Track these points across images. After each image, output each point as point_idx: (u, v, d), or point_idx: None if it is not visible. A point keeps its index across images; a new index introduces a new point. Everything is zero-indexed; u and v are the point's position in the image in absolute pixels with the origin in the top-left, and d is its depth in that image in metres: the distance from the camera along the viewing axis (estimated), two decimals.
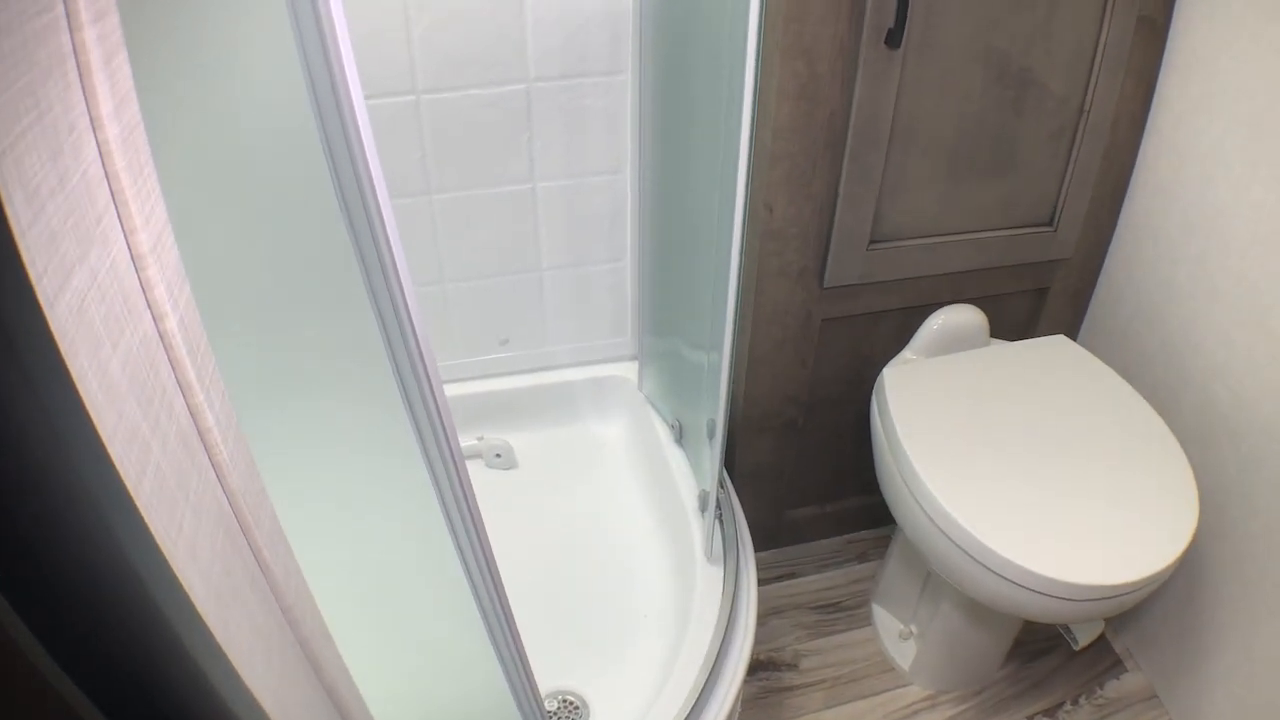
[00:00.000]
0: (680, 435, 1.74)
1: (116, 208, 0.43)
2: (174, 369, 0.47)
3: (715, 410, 1.40)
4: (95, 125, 0.42)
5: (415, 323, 0.66)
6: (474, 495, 0.75)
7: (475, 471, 1.87)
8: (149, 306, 0.45)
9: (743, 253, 1.23)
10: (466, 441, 1.88)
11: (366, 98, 1.51)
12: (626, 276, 1.87)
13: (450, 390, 1.90)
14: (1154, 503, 1.40)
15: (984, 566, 1.34)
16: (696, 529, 1.57)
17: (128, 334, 0.42)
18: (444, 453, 0.72)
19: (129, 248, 0.44)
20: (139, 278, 0.45)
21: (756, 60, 1.11)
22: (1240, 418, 1.53)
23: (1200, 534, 1.51)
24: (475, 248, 1.77)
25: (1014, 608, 1.39)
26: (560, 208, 1.75)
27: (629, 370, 1.95)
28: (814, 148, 1.47)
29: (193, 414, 0.48)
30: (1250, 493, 1.52)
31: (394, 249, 0.63)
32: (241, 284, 0.74)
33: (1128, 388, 1.61)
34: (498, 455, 1.88)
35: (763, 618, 1.90)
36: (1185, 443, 1.52)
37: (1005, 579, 1.33)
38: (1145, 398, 1.59)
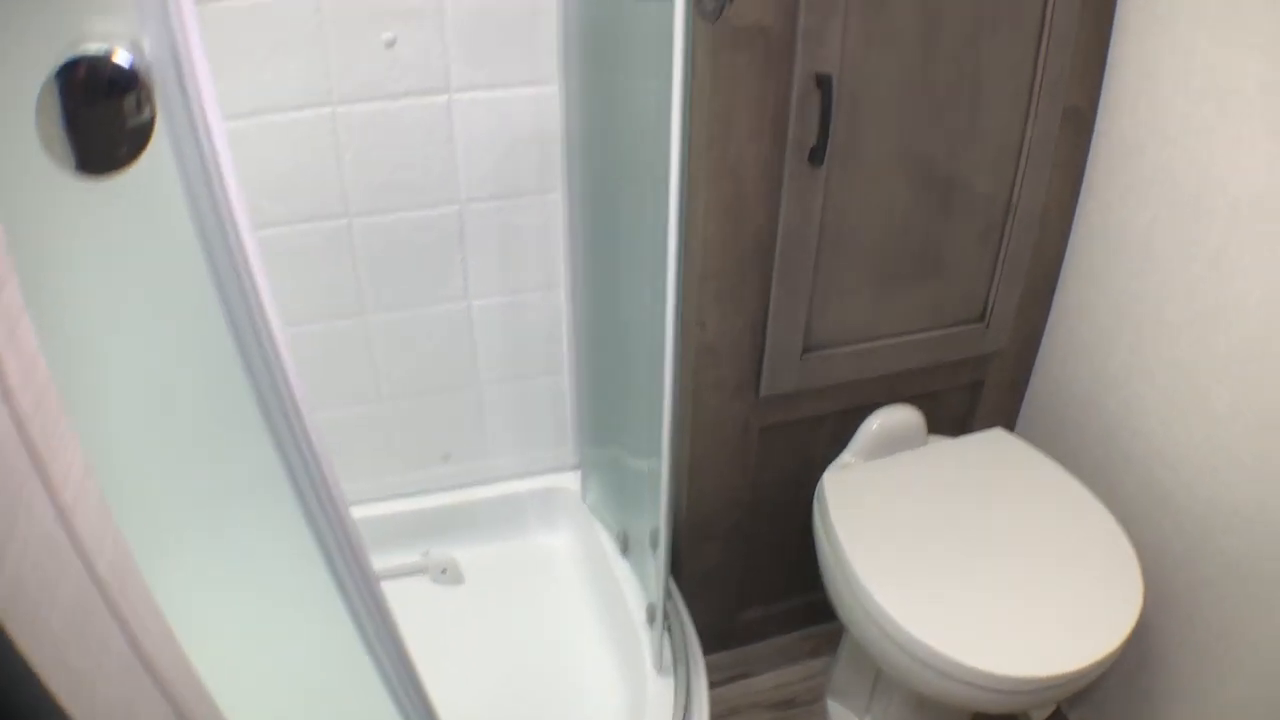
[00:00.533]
0: (625, 546, 1.74)
1: (38, 473, 0.43)
2: (111, 613, 0.46)
3: (658, 521, 1.40)
4: (6, 397, 0.41)
5: (317, 452, 0.66)
6: (393, 619, 0.74)
7: (421, 588, 1.85)
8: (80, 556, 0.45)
9: (677, 367, 1.24)
10: (410, 558, 1.86)
11: (298, 222, 1.53)
12: (565, 388, 1.88)
13: (392, 507, 1.89)
14: (1099, 589, 1.41)
15: (932, 668, 1.34)
16: (645, 641, 1.56)
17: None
18: (355, 578, 0.71)
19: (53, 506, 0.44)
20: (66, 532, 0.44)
21: (681, 183, 1.12)
22: (1183, 496, 1.55)
23: (1149, 608, 1.52)
24: (413, 365, 1.76)
25: (965, 703, 1.39)
26: (496, 324, 1.75)
27: (572, 480, 1.95)
28: (743, 263, 1.49)
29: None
30: (1197, 567, 1.54)
31: (289, 379, 0.63)
32: (142, 426, 0.73)
33: (1068, 476, 1.62)
34: (443, 571, 1.86)
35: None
36: (1130, 521, 1.54)
37: (954, 679, 1.33)
38: (1086, 483, 1.61)
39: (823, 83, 1.37)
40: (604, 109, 1.51)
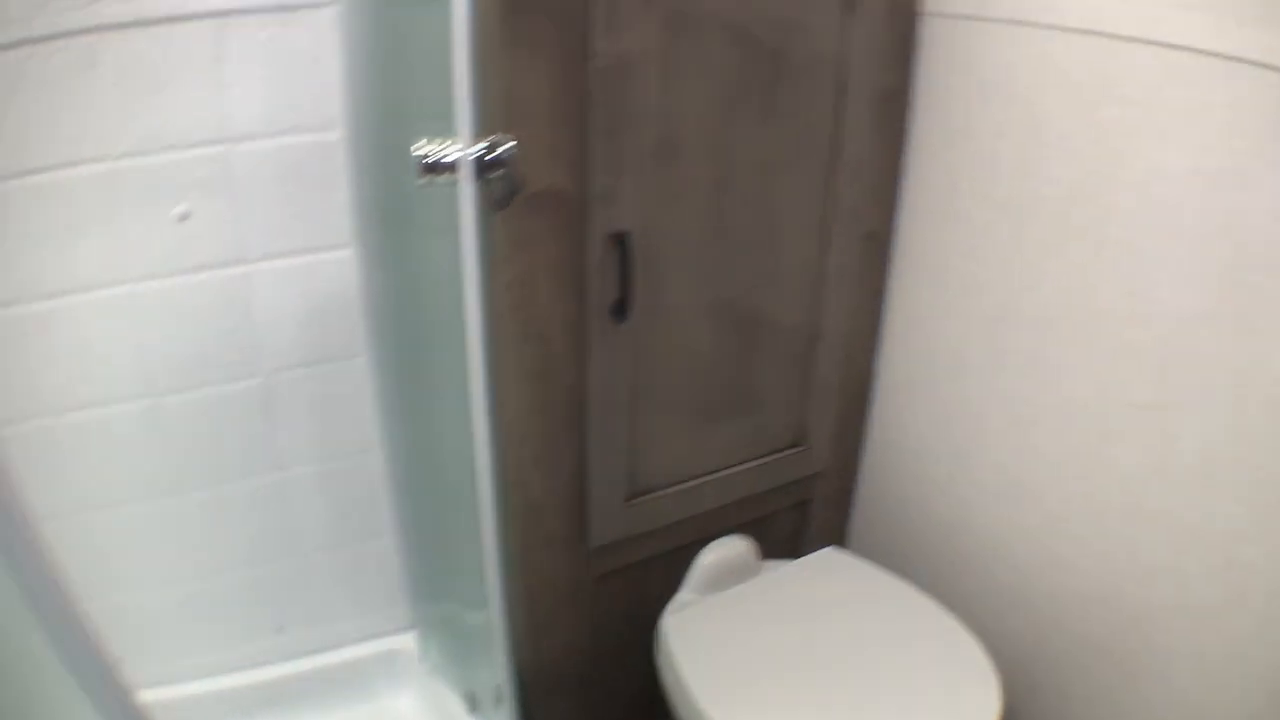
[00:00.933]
0: (474, 704, 1.70)
1: None
2: None
3: (498, 678, 1.37)
4: None
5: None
6: None
7: None
8: None
9: (503, 527, 1.24)
10: None
11: (98, 405, 1.47)
12: (393, 550, 1.84)
13: (228, 682, 1.80)
14: (953, 695, 1.42)
15: None
16: None
17: None
18: None
19: None
20: None
21: (484, 352, 1.13)
22: (1027, 590, 1.60)
23: (1016, 699, 1.56)
24: (237, 541, 1.71)
25: None
26: (315, 491, 1.72)
27: (411, 641, 1.90)
28: (558, 422, 1.48)
29: None
30: (1055, 652, 1.58)
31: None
32: None
33: (906, 587, 1.64)
34: None
35: None
36: (977, 621, 1.56)
37: None
38: (927, 590, 1.63)
39: (620, 240, 1.39)
40: (404, 273, 1.50)
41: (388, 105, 1.45)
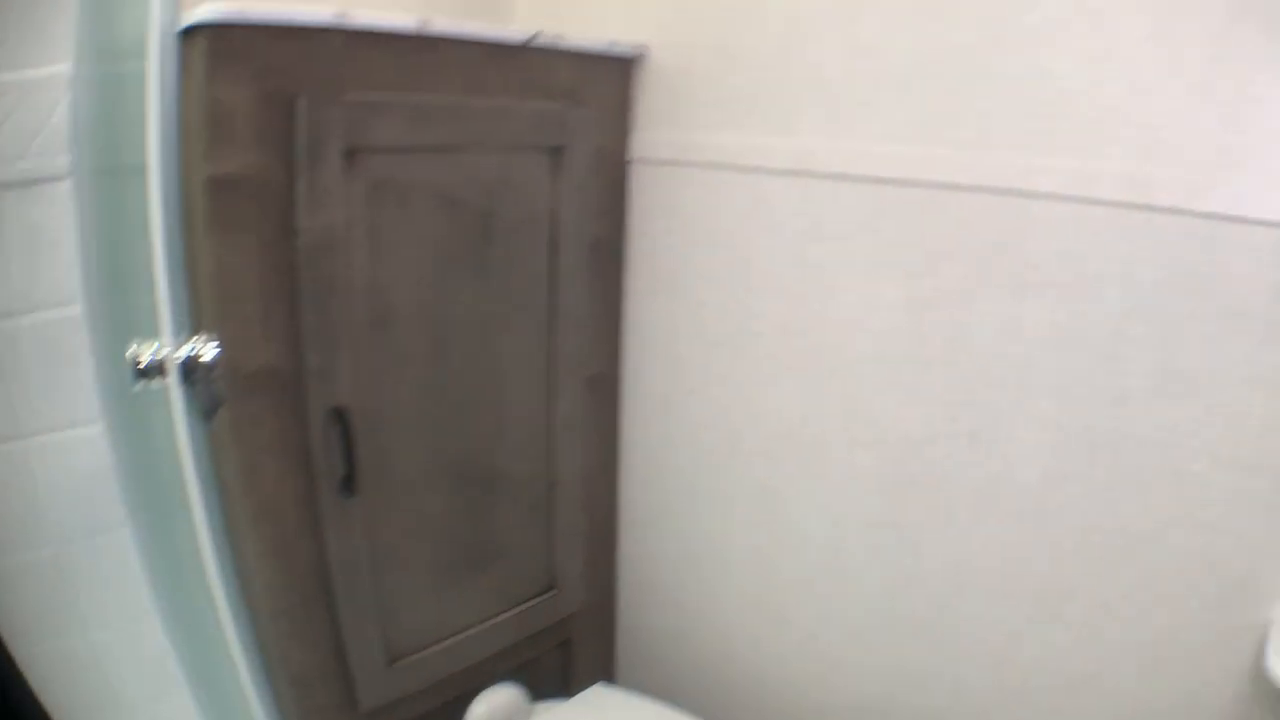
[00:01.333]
0: None
1: None
2: None
3: None
4: None
5: None
6: None
7: None
8: None
9: (272, 703, 1.21)
10: None
11: None
12: None
13: None
14: None
15: None
16: None
17: None
18: None
19: None
20: None
21: (216, 540, 1.11)
22: (796, 707, 1.66)
23: None
24: None
25: None
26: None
27: None
28: (307, 596, 1.46)
29: None
30: None
31: None
32: None
33: (677, 716, 1.66)
34: None
35: None
36: None
37: None
38: (700, 716, 1.65)
39: (340, 415, 1.39)
40: (143, 451, 1.45)
41: (113, 285, 1.42)
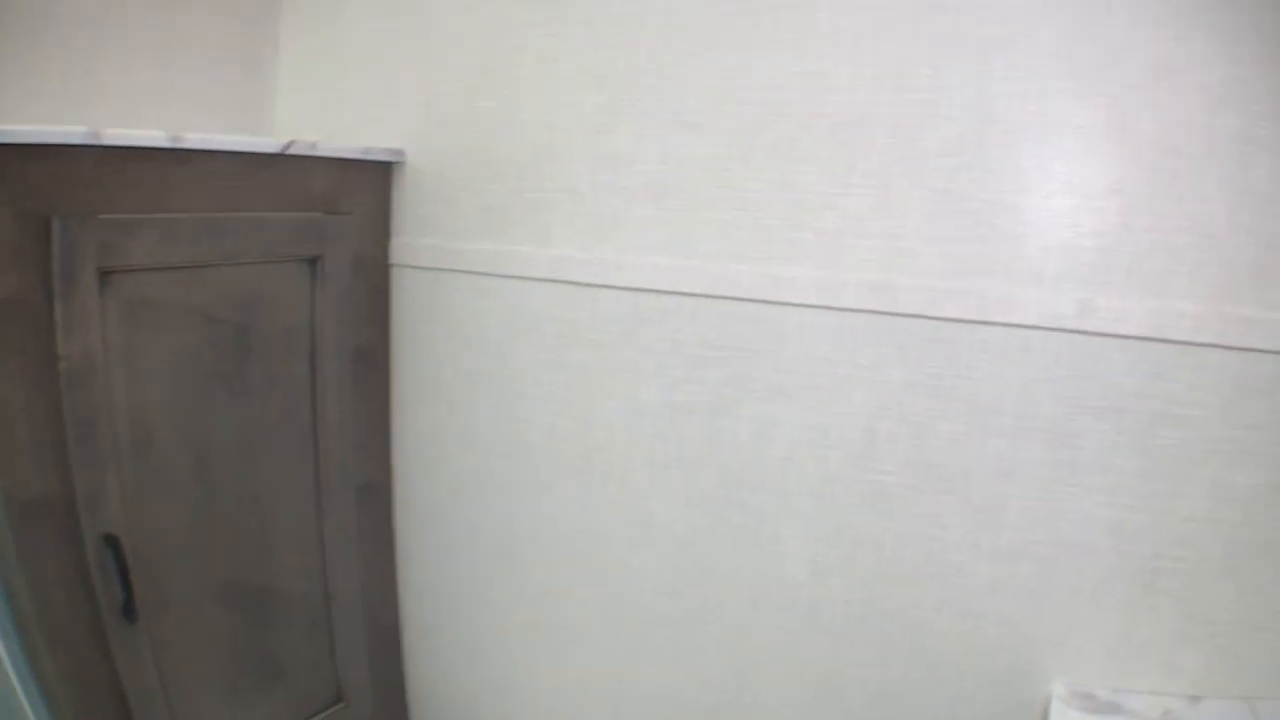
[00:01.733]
0: None
1: None
2: None
3: None
4: None
5: None
6: None
7: None
8: None
9: None
10: None
11: None
12: None
13: None
14: None
15: None
16: None
17: None
18: None
19: None
20: None
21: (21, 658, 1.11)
22: None
23: None
24: None
25: None
26: None
27: None
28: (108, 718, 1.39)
29: None
30: None
31: None
32: None
33: None
34: None
35: None
36: None
37: None
38: None
39: (112, 541, 1.35)
40: None
41: None
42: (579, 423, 1.57)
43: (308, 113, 1.81)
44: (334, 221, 1.62)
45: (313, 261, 1.59)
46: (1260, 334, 1.21)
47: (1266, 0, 1.18)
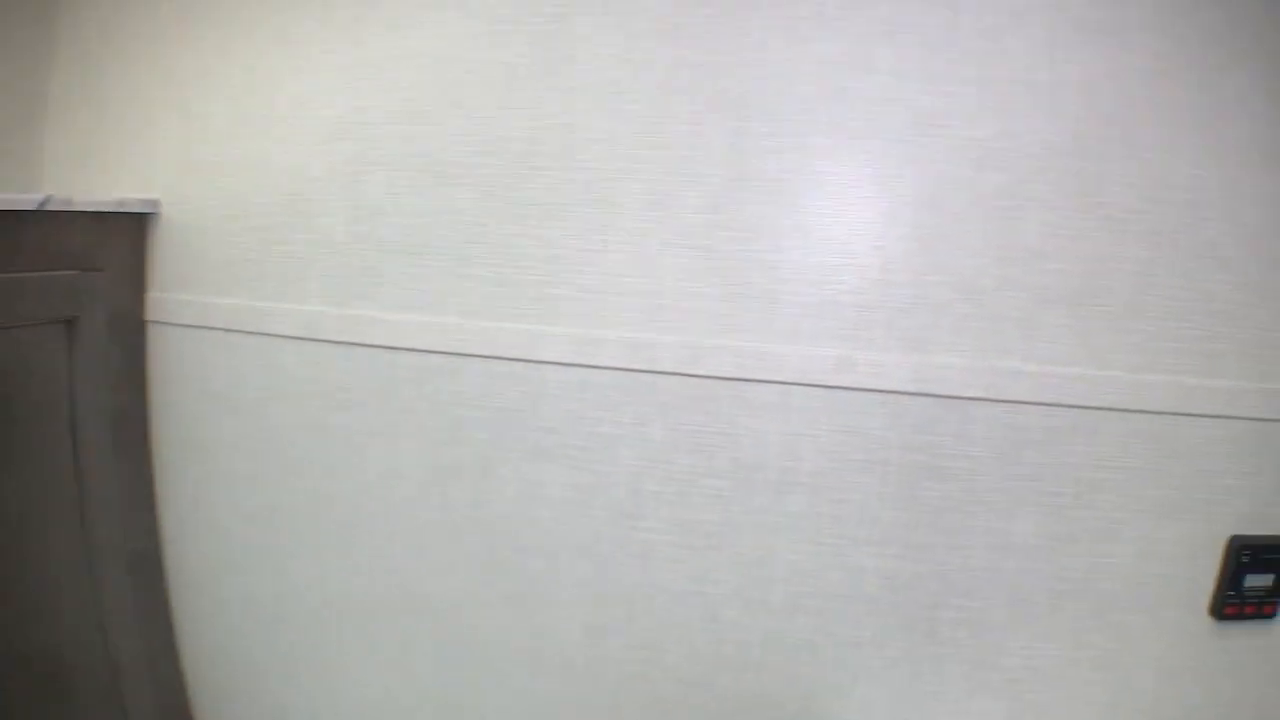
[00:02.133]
0: None
1: None
2: None
3: None
4: None
5: None
6: None
7: None
8: None
9: None
10: None
11: None
12: None
13: None
14: None
15: None
16: None
17: None
18: None
19: None
20: None
21: None
22: None
23: None
24: None
25: None
26: None
27: None
28: None
29: None
30: None
31: None
32: None
33: None
34: None
35: None
36: None
37: None
38: None
39: None
40: None
41: None
42: (340, 487, 1.52)
43: (72, 166, 1.70)
44: (88, 279, 1.51)
45: (70, 323, 1.49)
46: (1027, 387, 1.22)
47: (1038, 58, 1.20)
